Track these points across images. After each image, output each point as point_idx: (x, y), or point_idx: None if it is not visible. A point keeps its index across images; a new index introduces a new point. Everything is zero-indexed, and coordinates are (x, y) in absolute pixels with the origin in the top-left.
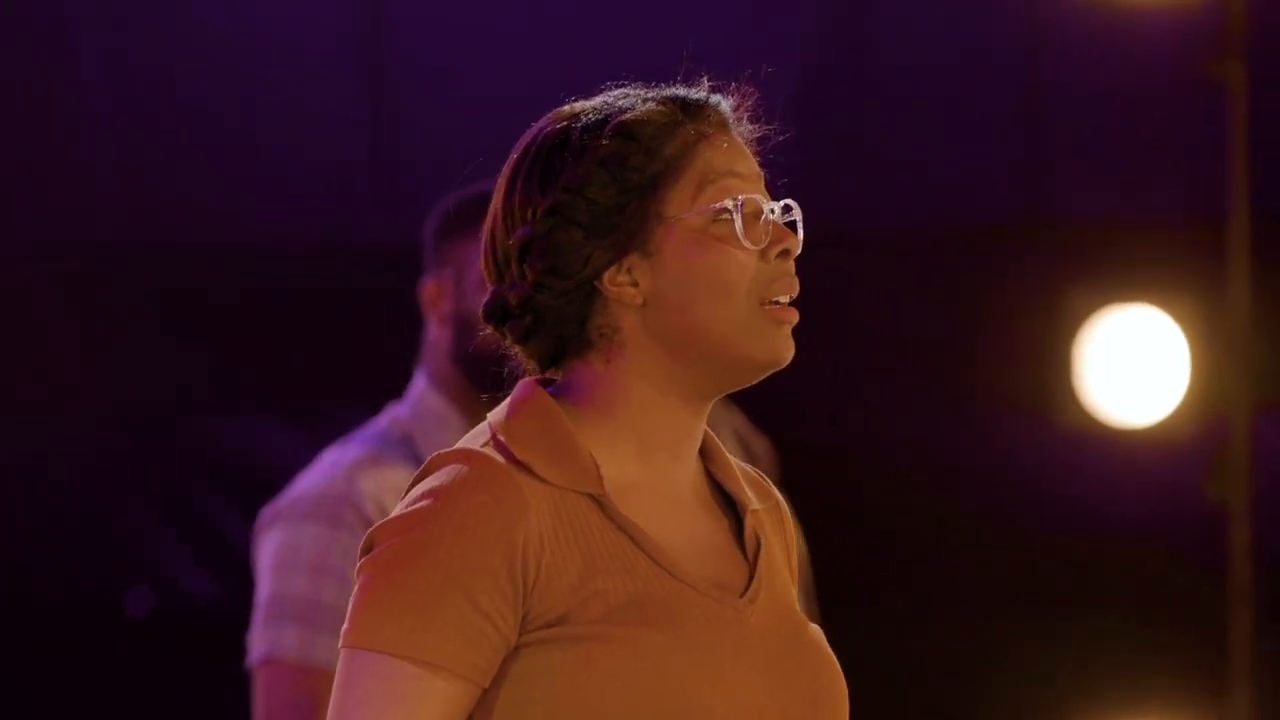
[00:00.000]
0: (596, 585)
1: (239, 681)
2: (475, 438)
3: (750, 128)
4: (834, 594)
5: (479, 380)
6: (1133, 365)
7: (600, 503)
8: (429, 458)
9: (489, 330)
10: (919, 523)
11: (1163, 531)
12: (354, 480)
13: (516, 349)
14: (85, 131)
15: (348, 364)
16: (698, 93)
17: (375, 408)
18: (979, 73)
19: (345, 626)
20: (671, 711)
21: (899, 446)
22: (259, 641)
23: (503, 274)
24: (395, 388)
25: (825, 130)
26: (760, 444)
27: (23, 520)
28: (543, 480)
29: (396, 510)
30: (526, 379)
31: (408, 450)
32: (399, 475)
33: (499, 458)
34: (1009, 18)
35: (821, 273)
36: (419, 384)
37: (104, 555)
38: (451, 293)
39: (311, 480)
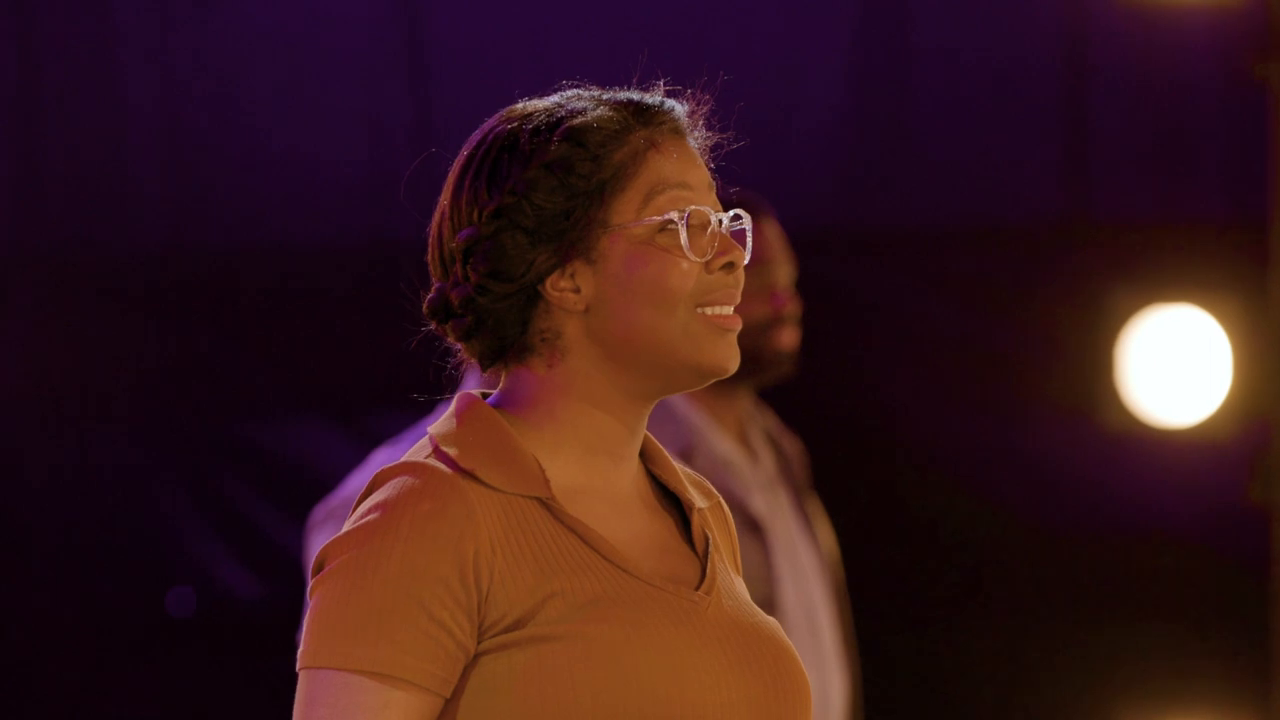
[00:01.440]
0: (554, 586)
1: (281, 680)
2: (418, 451)
3: (705, 134)
4: (874, 595)
5: None
6: (1175, 366)
7: (548, 506)
8: (374, 473)
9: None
10: (959, 523)
11: (1204, 532)
12: None
13: (459, 347)
14: (128, 131)
15: (390, 365)
16: (652, 98)
17: (417, 409)
18: (1020, 73)
19: (301, 648)
20: (638, 705)
21: (939, 448)
22: None
23: (447, 271)
24: (439, 389)
25: (865, 131)
26: (791, 444)
27: (64, 521)
28: (489, 487)
29: (345, 526)
30: (464, 391)
31: None
32: None
33: (443, 467)
34: (1051, 18)
35: (861, 274)
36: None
37: (145, 556)
38: None
39: (363, 479)
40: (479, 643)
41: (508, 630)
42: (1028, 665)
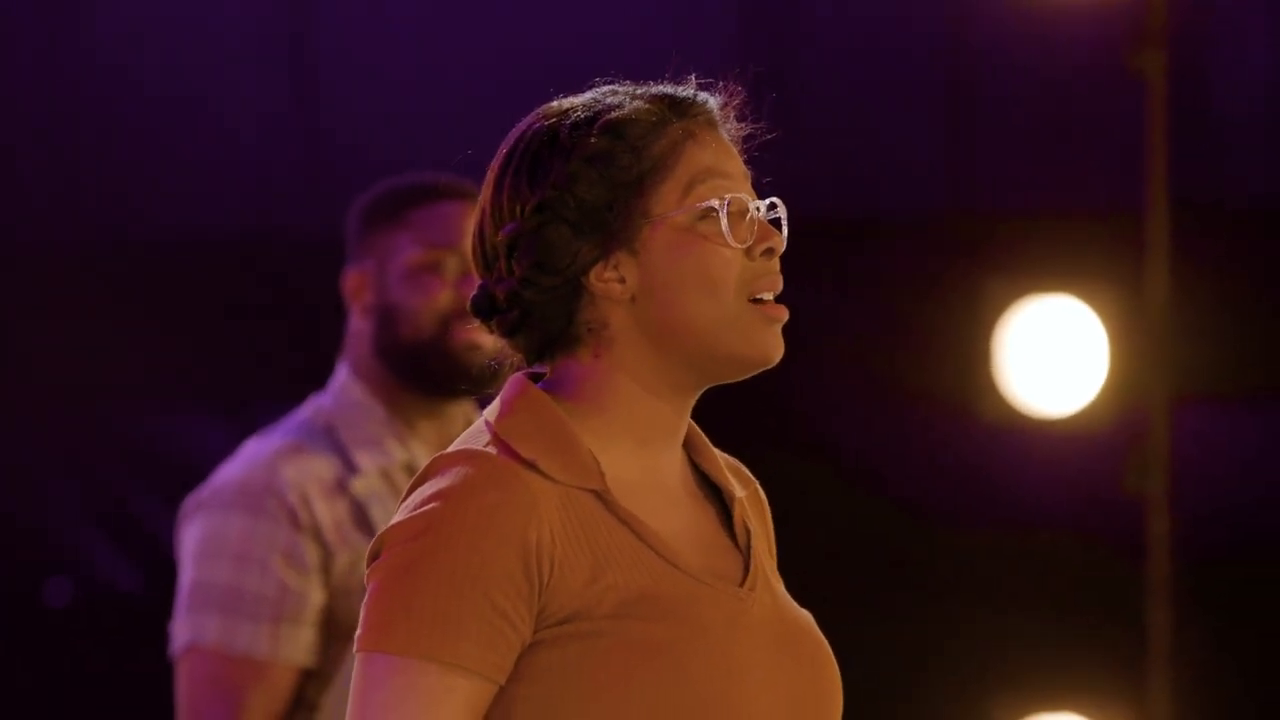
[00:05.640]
0: (607, 580)
1: (160, 670)
2: (474, 437)
3: (737, 126)
4: None
5: (401, 371)
6: (1051, 356)
7: (603, 498)
8: (430, 460)
9: (469, 322)
10: (838, 514)
11: (1081, 522)
12: (277, 470)
13: (505, 342)
14: (14, 123)
15: (269, 357)
16: (686, 91)
17: (301, 399)
18: (899, 63)
19: (360, 631)
20: (687, 705)
21: (817, 438)
22: (182, 629)
23: (490, 268)
24: (323, 379)
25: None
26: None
27: None
28: (548, 478)
29: (401, 515)
30: (516, 375)
31: (330, 440)
32: (321, 465)
33: (503, 457)
34: (932, 9)
35: None
36: (341, 374)
37: (23, 545)
38: (374, 283)
39: (234, 470)
40: (534, 632)
41: (562, 623)
42: (906, 655)
